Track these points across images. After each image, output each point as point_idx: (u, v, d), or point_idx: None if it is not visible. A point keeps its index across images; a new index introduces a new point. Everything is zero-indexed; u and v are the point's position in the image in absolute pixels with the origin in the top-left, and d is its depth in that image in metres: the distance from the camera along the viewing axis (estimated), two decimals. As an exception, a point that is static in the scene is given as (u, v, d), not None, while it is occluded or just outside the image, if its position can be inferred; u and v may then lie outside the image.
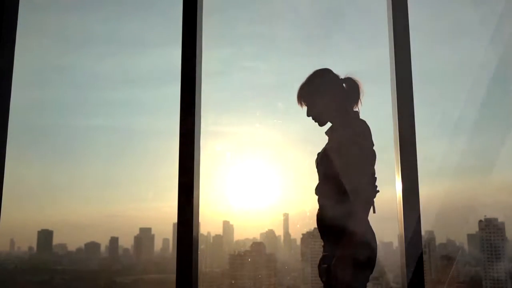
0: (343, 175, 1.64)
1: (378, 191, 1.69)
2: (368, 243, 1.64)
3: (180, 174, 1.95)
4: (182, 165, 1.95)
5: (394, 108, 2.04)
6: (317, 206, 1.75)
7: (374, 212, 1.67)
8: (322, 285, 1.69)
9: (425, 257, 1.90)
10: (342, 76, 1.81)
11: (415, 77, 2.02)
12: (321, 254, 1.73)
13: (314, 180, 1.78)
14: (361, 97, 1.80)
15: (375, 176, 1.70)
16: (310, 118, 1.81)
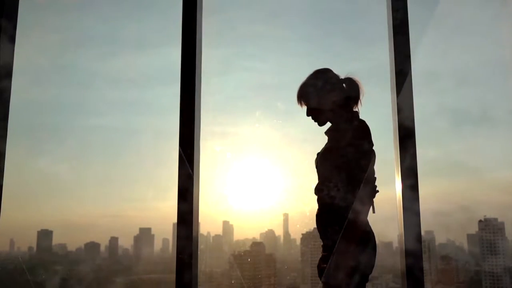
0: (342, 175, 1.64)
1: (378, 191, 1.69)
2: (367, 243, 1.64)
3: (180, 174, 1.95)
4: (182, 165, 1.95)
5: (394, 108, 2.04)
6: (316, 206, 1.75)
7: (374, 212, 1.67)
8: (321, 285, 1.69)
9: (425, 257, 1.90)
10: (342, 76, 1.81)
11: (415, 77, 2.02)
12: (321, 254, 1.73)
13: (314, 180, 1.78)
14: (361, 97, 1.80)
15: (375, 176, 1.70)
16: (310, 118, 1.81)
